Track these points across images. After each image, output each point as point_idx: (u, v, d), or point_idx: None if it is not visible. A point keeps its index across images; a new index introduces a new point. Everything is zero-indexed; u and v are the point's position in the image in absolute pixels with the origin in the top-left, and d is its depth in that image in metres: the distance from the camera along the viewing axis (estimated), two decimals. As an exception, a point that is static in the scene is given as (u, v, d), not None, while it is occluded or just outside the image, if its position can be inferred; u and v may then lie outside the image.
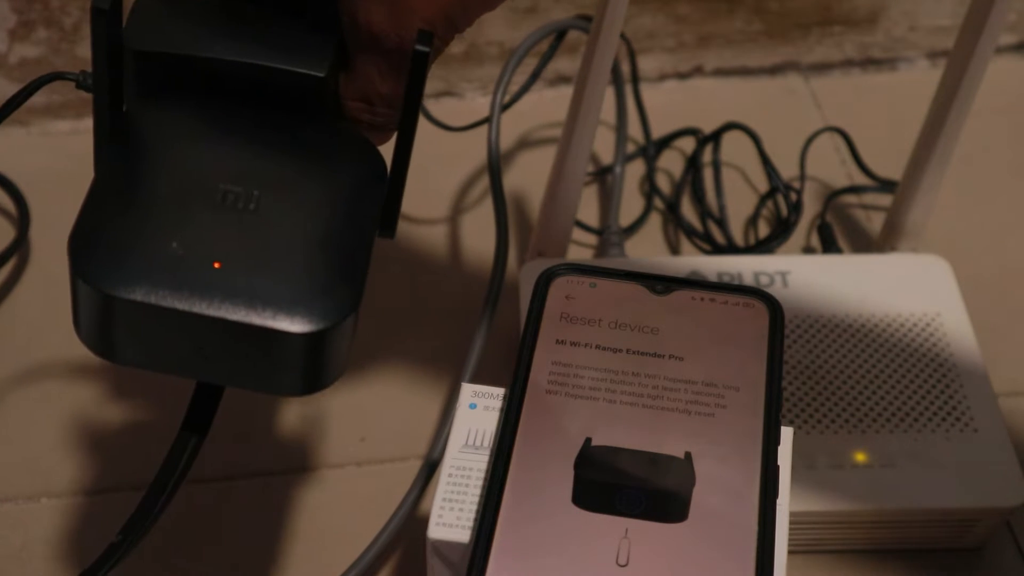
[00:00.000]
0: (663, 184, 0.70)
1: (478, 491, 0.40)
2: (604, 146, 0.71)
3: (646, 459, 0.38)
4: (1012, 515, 0.54)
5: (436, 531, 0.39)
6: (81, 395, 0.59)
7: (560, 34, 0.64)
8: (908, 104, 0.69)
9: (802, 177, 0.69)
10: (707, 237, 0.67)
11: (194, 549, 0.54)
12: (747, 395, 0.40)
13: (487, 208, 0.66)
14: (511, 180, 0.69)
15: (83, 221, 0.38)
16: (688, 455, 0.38)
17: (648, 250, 0.67)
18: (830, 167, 0.71)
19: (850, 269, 0.61)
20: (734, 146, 0.71)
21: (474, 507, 0.39)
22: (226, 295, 0.37)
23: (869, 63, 0.78)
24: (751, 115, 0.71)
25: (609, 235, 0.64)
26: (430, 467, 0.55)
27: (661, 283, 0.43)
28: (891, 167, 0.69)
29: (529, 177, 0.69)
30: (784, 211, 0.68)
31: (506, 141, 0.71)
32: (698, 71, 0.76)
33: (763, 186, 0.70)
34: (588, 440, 0.39)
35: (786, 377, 0.56)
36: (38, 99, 0.69)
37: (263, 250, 0.38)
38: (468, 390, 0.42)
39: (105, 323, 0.37)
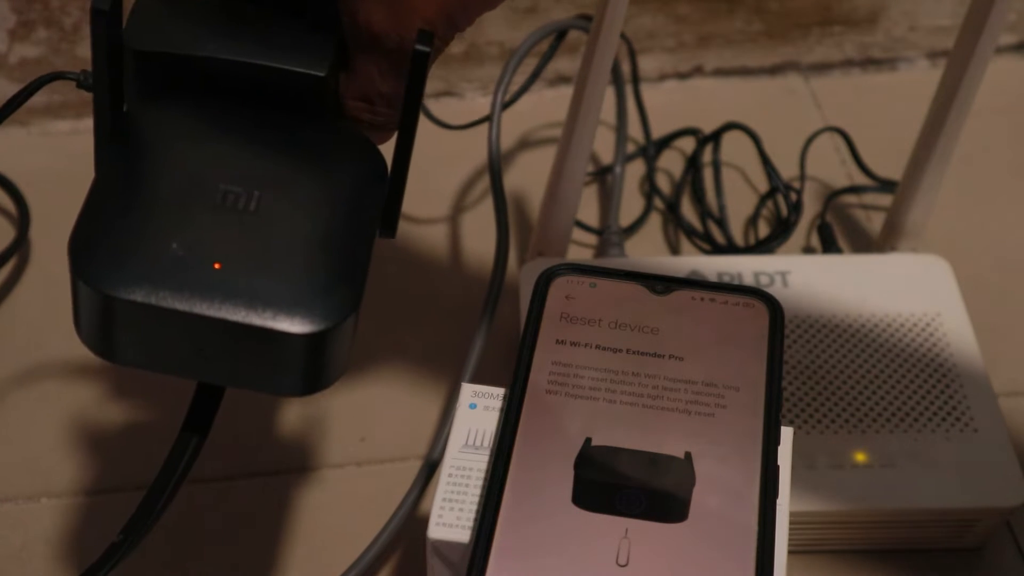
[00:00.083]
0: (663, 184, 0.70)
1: (478, 491, 0.40)
2: (604, 146, 0.71)
3: (646, 459, 0.38)
4: (1012, 515, 0.54)
5: (436, 531, 0.39)
6: (81, 395, 0.59)
7: (560, 34, 0.64)
8: (908, 104, 0.69)
9: (802, 177, 0.69)
10: (707, 237, 0.67)
11: (194, 549, 0.54)
12: (747, 395, 0.40)
13: (487, 208, 0.66)
14: (511, 180, 0.69)
15: (83, 222, 0.38)
16: (688, 455, 0.39)
17: (648, 250, 0.67)
18: (830, 167, 0.71)
19: (850, 269, 0.61)
20: (734, 146, 0.71)
21: (474, 507, 0.39)
22: (226, 296, 0.37)
23: (869, 63, 0.78)
24: (751, 115, 0.71)
25: (609, 235, 0.64)
26: (430, 467, 0.55)
27: (661, 283, 0.43)
28: (891, 167, 0.69)
29: (529, 177, 0.69)
30: (784, 211, 0.68)
31: (506, 141, 0.71)
32: (698, 71, 0.77)
33: (763, 186, 0.70)
34: (588, 440, 0.39)
35: (786, 377, 0.56)
36: (38, 99, 0.69)
37: (263, 251, 0.38)
38: (468, 390, 0.42)
39: (106, 324, 0.37)
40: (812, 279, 0.60)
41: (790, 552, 0.39)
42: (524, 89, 0.64)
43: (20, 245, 0.64)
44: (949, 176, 0.60)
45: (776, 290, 0.59)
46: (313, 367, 0.38)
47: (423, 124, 0.64)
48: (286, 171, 0.40)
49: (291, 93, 0.41)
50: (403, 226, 0.67)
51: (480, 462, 0.40)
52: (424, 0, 0.40)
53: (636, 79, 0.71)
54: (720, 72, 0.77)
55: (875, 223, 0.69)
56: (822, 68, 0.77)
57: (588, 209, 0.69)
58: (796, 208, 0.66)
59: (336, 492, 0.57)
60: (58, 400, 0.59)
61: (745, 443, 0.39)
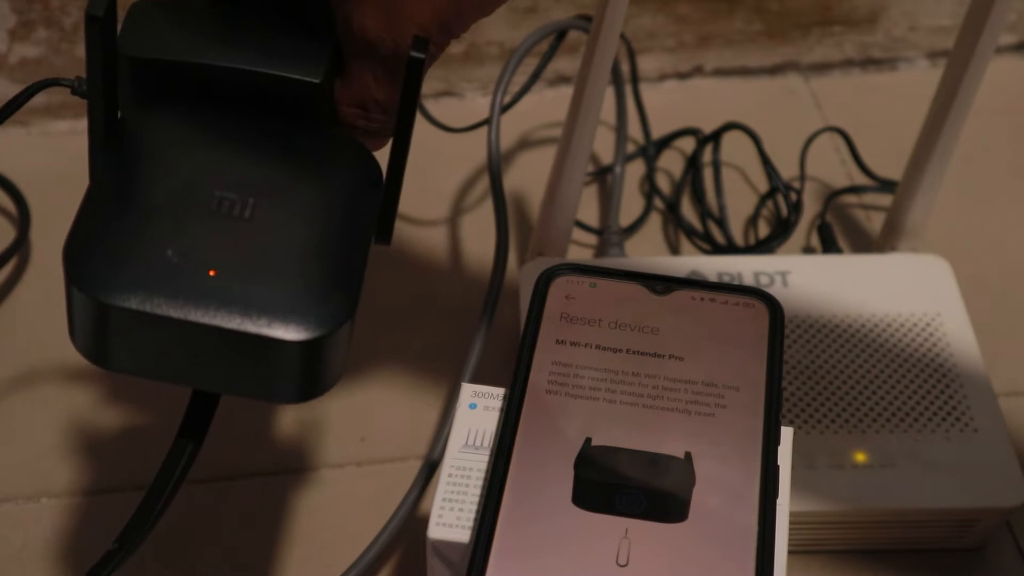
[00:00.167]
0: (663, 184, 0.70)
1: (478, 491, 0.40)
2: (604, 146, 0.71)
3: (646, 459, 0.38)
4: (1012, 515, 0.54)
5: (436, 531, 0.39)
6: (81, 394, 0.59)
7: (560, 34, 0.64)
8: (908, 104, 0.69)
9: (802, 177, 0.69)
10: (707, 237, 0.67)
11: (194, 549, 0.54)
12: (747, 395, 0.40)
13: (487, 208, 0.66)
14: (511, 180, 0.69)
15: (78, 229, 0.38)
16: (688, 455, 0.38)
17: (648, 250, 0.67)
18: (830, 167, 0.71)
19: (850, 269, 0.61)
20: (734, 146, 0.71)
21: (474, 507, 0.39)
22: (222, 303, 0.37)
23: (869, 63, 0.78)
24: (751, 115, 0.71)
25: (609, 235, 0.64)
26: (430, 467, 0.55)
27: (661, 283, 0.43)
28: (891, 167, 0.69)
29: (529, 177, 0.69)
30: (784, 211, 0.68)
31: (506, 141, 0.71)
32: (698, 71, 0.77)
33: (763, 186, 0.70)
34: (588, 440, 0.39)
35: (786, 377, 0.56)
36: (38, 99, 0.69)
37: (259, 258, 0.38)
38: (468, 390, 0.42)
39: (100, 331, 0.37)
40: (812, 279, 0.60)
41: (790, 552, 0.39)
42: (524, 91, 0.64)
43: (20, 245, 0.64)
44: (949, 176, 0.60)
45: (776, 290, 0.59)
46: (308, 374, 0.38)
47: (422, 123, 0.64)
48: (281, 178, 0.40)
49: (286, 100, 0.41)
50: (403, 226, 0.67)
51: (480, 462, 0.40)
52: (419, 7, 0.40)
53: (635, 79, 0.71)
54: (720, 72, 0.77)
55: (875, 223, 0.69)
56: (822, 68, 0.77)
57: (588, 209, 0.69)
58: (796, 208, 0.66)
59: (336, 492, 0.57)
60: (58, 400, 0.59)
61: (745, 443, 0.39)
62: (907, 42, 0.77)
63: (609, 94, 0.67)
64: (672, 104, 0.74)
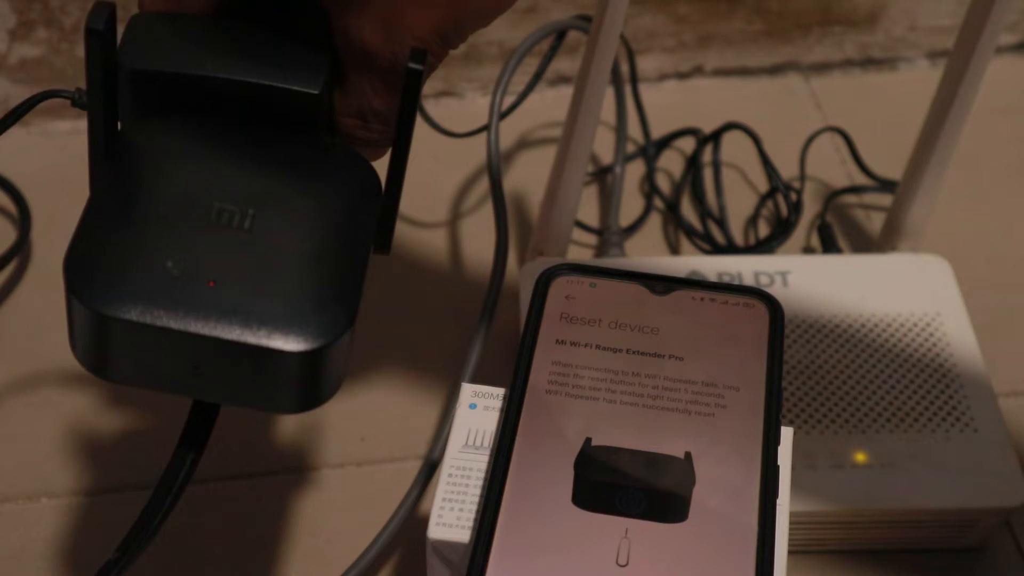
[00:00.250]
0: (663, 184, 0.70)
1: (478, 491, 0.40)
2: (604, 146, 0.71)
3: (646, 459, 0.38)
4: (1012, 515, 0.54)
5: (436, 531, 0.39)
6: (82, 395, 0.59)
7: (560, 34, 0.64)
8: (908, 104, 0.69)
9: (802, 177, 0.69)
10: (707, 237, 0.67)
11: (194, 549, 0.54)
12: (747, 395, 0.40)
13: (487, 208, 0.66)
14: (511, 180, 0.69)
15: (78, 240, 0.38)
16: (688, 455, 0.38)
17: (648, 250, 0.67)
18: (830, 167, 0.71)
19: (850, 269, 0.61)
20: (734, 146, 0.71)
21: (474, 507, 0.39)
22: (221, 314, 0.37)
23: (869, 63, 0.78)
24: (751, 115, 0.71)
25: (609, 235, 0.65)
26: (430, 467, 0.55)
27: (661, 283, 0.43)
28: (891, 167, 0.69)
29: (529, 177, 0.69)
30: (784, 211, 0.68)
31: (506, 141, 0.71)
32: (698, 71, 0.77)
33: (763, 186, 0.70)
34: (588, 440, 0.39)
35: (786, 377, 0.56)
36: (38, 99, 0.69)
37: (258, 268, 0.38)
38: (468, 390, 0.42)
39: (101, 343, 0.37)
40: (812, 279, 0.60)
41: (790, 552, 0.39)
42: (524, 95, 0.64)
43: (21, 246, 0.64)
44: (949, 176, 0.60)
45: (776, 290, 0.59)
46: (308, 384, 0.38)
47: (422, 125, 0.64)
48: (280, 188, 0.40)
49: (285, 111, 0.41)
50: (402, 226, 0.67)
51: (480, 462, 0.40)
52: (417, 18, 0.40)
53: (635, 79, 0.71)
54: (720, 72, 0.77)
55: (875, 223, 0.69)
56: (822, 68, 0.77)
57: (588, 209, 0.69)
58: (796, 208, 0.66)
59: (336, 492, 0.57)
60: (58, 400, 0.59)
61: (745, 443, 0.39)
62: (907, 42, 0.77)
63: (609, 94, 0.67)
64: (672, 104, 0.74)
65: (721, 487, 0.38)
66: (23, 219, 0.65)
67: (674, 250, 0.67)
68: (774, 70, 0.77)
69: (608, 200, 0.68)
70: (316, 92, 0.40)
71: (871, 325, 0.58)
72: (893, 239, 0.62)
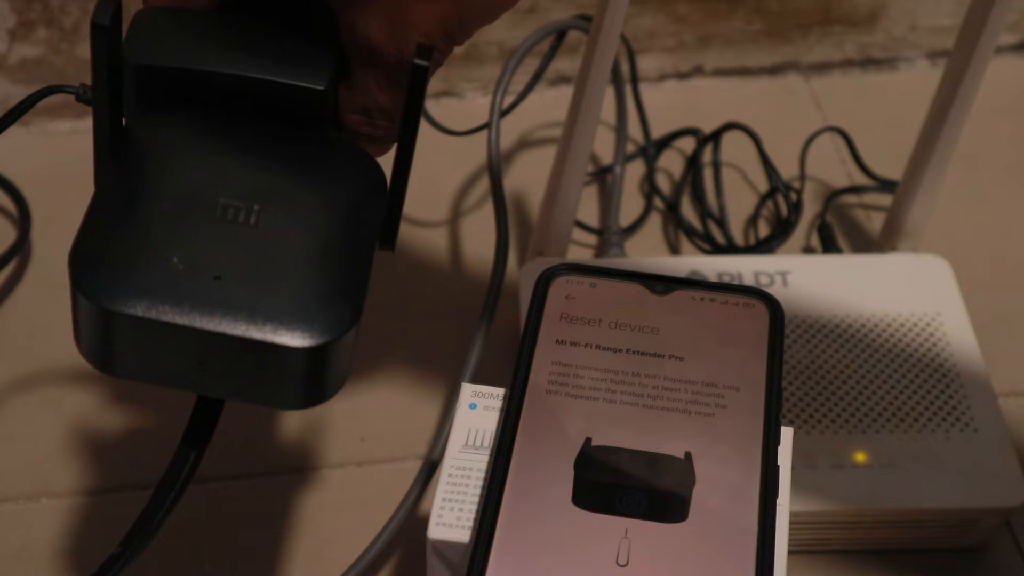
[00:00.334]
0: (663, 184, 0.70)
1: (478, 491, 0.40)
2: (604, 146, 0.71)
3: (646, 459, 0.38)
4: (1012, 515, 0.54)
5: (436, 531, 0.39)
6: (83, 395, 0.59)
7: (560, 34, 0.64)
8: (908, 104, 0.69)
9: (802, 177, 0.69)
10: (707, 237, 0.67)
11: (194, 549, 0.54)
12: (747, 395, 0.40)
13: (487, 208, 0.66)
14: (511, 180, 0.69)
15: (83, 236, 0.38)
16: (688, 455, 0.39)
17: (648, 250, 0.67)
18: (830, 167, 0.71)
19: (850, 269, 0.61)
20: (734, 146, 0.71)
21: (474, 507, 0.39)
22: (227, 310, 0.37)
23: (869, 63, 0.78)
24: (751, 115, 0.71)
25: (609, 235, 0.65)
26: (430, 467, 0.55)
27: (661, 283, 0.43)
28: (891, 167, 0.69)
29: (529, 177, 0.69)
30: (784, 211, 0.68)
31: (506, 141, 0.71)
32: (698, 71, 0.77)
33: (763, 186, 0.70)
34: (588, 440, 0.39)
35: (786, 377, 0.56)
36: (38, 99, 0.69)
37: (264, 264, 0.38)
38: (468, 390, 0.42)
39: (106, 338, 0.37)
40: (812, 279, 0.60)
41: (790, 552, 0.39)
42: (524, 95, 0.64)
43: (21, 246, 0.64)
44: (949, 176, 0.60)
45: (776, 290, 0.59)
46: (313, 381, 0.38)
47: (423, 125, 0.64)
48: (286, 184, 0.40)
49: (290, 106, 0.41)
50: (403, 226, 0.67)
51: (480, 462, 0.40)
52: (423, 15, 0.40)
53: (635, 79, 0.71)
54: (720, 72, 0.77)
55: (875, 223, 0.69)
56: (822, 68, 0.77)
57: (588, 209, 0.69)
58: (796, 208, 0.66)
59: (336, 492, 0.57)
60: (59, 400, 0.59)
61: (745, 443, 0.39)
62: (907, 42, 0.77)
63: (609, 94, 0.67)
64: (672, 104, 0.74)
65: (721, 487, 0.38)
66: (23, 219, 0.65)
67: (674, 250, 0.67)
68: (774, 70, 0.77)
69: (608, 200, 0.68)
70: (321, 88, 0.40)
71: (871, 325, 0.58)
72: (893, 239, 0.62)
